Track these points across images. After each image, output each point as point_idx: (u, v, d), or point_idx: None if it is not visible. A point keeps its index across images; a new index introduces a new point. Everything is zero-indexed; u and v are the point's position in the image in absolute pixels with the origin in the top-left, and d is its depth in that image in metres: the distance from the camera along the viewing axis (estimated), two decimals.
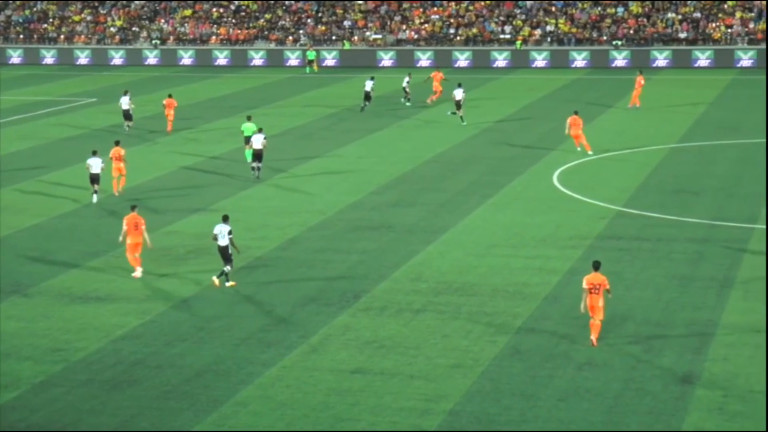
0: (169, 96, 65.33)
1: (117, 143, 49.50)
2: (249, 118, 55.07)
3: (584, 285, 29.27)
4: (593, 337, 29.13)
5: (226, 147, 59.09)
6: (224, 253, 34.90)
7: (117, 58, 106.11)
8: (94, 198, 46.66)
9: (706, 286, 33.99)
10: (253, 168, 38.62)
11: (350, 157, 56.02)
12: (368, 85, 70.96)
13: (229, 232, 34.79)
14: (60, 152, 58.92)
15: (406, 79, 72.62)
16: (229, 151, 58.01)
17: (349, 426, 24.70)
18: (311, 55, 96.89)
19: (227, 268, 34.92)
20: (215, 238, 35.04)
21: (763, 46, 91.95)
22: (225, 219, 35.42)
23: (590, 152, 53.97)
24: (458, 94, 64.41)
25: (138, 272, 36.26)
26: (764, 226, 40.04)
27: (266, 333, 30.66)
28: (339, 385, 26.88)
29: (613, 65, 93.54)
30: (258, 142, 48.64)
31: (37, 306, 33.50)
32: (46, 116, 72.11)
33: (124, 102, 63.61)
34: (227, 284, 34.88)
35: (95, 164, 46.63)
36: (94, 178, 46.50)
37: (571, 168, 51.89)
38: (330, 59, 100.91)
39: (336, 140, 60.49)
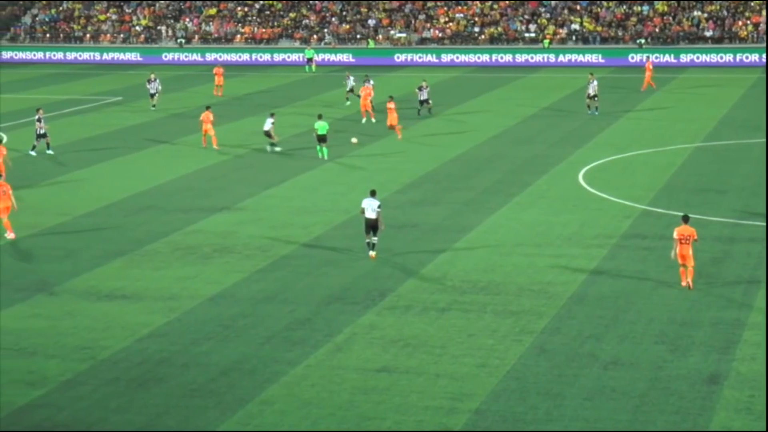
0: (207, 108, 60.21)
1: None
2: (320, 117, 55.22)
3: (675, 236, 33.13)
4: (688, 281, 33.13)
5: (250, 146, 59.14)
6: (373, 225, 37.01)
7: (141, 56, 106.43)
8: None
9: (732, 285, 33.84)
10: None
11: (374, 156, 56.01)
12: (348, 84, 72.81)
13: (379, 206, 36.94)
14: (84, 151, 59.08)
15: (424, 87, 69.03)
16: (253, 150, 58.07)
17: (374, 425, 24.68)
18: (310, 53, 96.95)
19: (374, 239, 37.21)
20: (363, 211, 37.14)
21: None
22: (373, 193, 37.47)
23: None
24: (267, 124, 57.64)
25: (11, 235, 41.03)
26: None
27: (291, 332, 30.68)
28: (364, 384, 26.87)
29: (638, 64, 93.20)
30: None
31: (63, 304, 33.61)
32: (71, 115, 72.35)
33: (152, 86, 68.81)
34: (370, 254, 37.27)
35: None
36: None
37: (597, 167, 51.76)
38: (350, 57, 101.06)
39: (360, 139, 60.42)
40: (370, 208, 37.13)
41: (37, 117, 57.33)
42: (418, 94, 68.80)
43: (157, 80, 73.57)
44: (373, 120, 65.30)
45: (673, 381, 26.55)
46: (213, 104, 64.49)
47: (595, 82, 66.76)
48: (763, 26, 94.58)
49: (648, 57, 71.92)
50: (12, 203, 41.17)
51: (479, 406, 25.43)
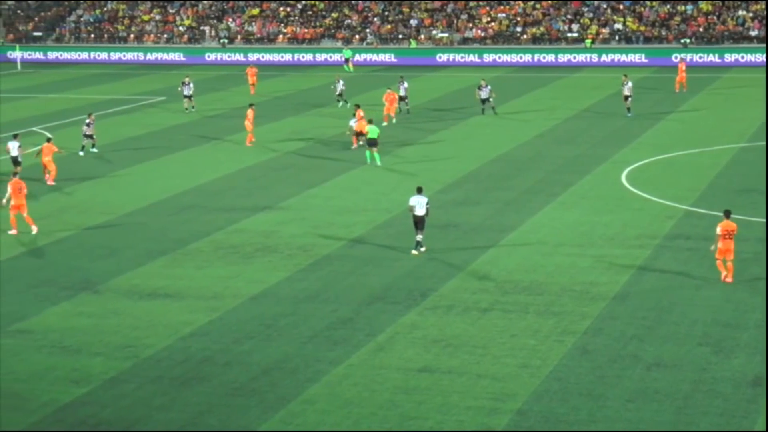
0: (251, 106, 61.74)
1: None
2: (370, 121, 54.36)
3: (718, 231, 33.59)
4: (729, 277, 33.63)
5: (292, 146, 59.29)
6: (421, 222, 37.50)
7: (184, 56, 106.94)
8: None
9: None
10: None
11: (416, 156, 56.01)
12: (338, 88, 73.00)
13: (427, 203, 37.42)
14: (128, 150, 59.44)
15: (483, 85, 68.66)
16: (295, 150, 58.20)
17: (416, 425, 24.68)
18: (348, 53, 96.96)
19: (419, 237, 37.67)
20: (412, 209, 37.53)
21: None
22: (420, 190, 37.98)
23: None
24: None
25: (33, 229, 41.81)
26: None
27: (333, 331, 30.72)
28: (406, 384, 26.87)
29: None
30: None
31: (106, 303, 33.82)
32: (115, 115, 72.79)
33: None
34: (421, 250, 37.74)
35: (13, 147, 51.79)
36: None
37: (640, 167, 51.52)
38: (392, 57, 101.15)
39: (401, 139, 60.49)
40: (419, 204, 37.50)
41: (87, 122, 57.74)
42: (477, 94, 68.40)
43: (191, 83, 73.22)
44: (394, 121, 64.91)
45: (718, 383, 26.37)
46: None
47: (630, 83, 66.17)
48: None
49: (682, 58, 71.52)
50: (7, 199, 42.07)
51: (521, 406, 25.37)
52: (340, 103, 72.95)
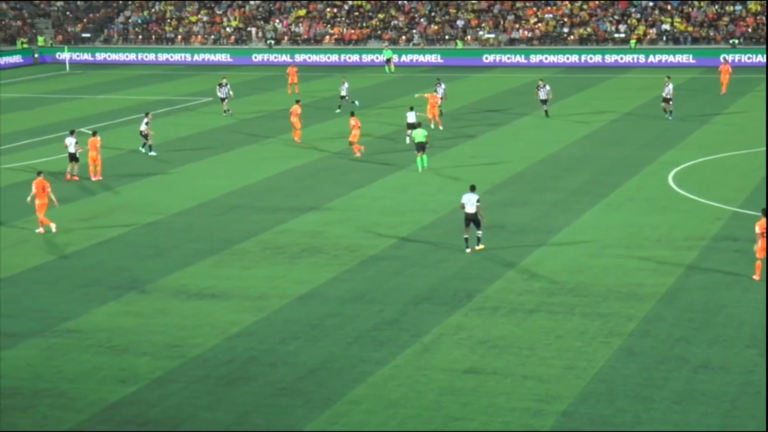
0: (297, 102, 62.92)
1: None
2: (419, 125, 53.69)
3: (757, 230, 33.68)
4: (756, 275, 33.82)
5: (338, 146, 59.39)
6: (474, 219, 37.91)
7: (231, 57, 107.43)
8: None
9: None
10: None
11: (463, 156, 55.97)
12: (342, 90, 71.76)
13: (477, 200, 37.73)
14: (176, 151, 59.78)
15: (541, 85, 67.77)
16: (340, 150, 58.29)
17: (461, 425, 24.68)
18: (388, 54, 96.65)
19: (479, 233, 38.23)
20: (463, 206, 37.95)
21: None
22: (473, 188, 38.33)
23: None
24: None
25: (52, 227, 42.49)
26: None
27: (379, 332, 30.77)
28: (451, 385, 26.88)
29: (732, 64, 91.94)
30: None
31: (154, 302, 34.05)
32: (163, 116, 73.21)
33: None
34: (476, 248, 38.24)
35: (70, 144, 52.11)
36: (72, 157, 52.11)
37: (687, 168, 51.23)
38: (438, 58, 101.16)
39: (449, 140, 60.47)
40: (470, 202, 37.81)
41: (145, 120, 58.16)
42: (536, 94, 67.78)
43: (228, 85, 72.72)
44: (440, 127, 63.13)
45: (765, 385, 26.17)
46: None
47: (671, 85, 65.35)
48: None
49: (725, 59, 70.81)
50: (52, 200, 42.55)
51: (567, 408, 25.31)
52: (338, 109, 71.49)
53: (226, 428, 24.93)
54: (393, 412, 25.43)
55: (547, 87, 67.47)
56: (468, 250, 38.23)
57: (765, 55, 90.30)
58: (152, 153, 58.24)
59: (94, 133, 52.85)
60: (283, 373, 27.98)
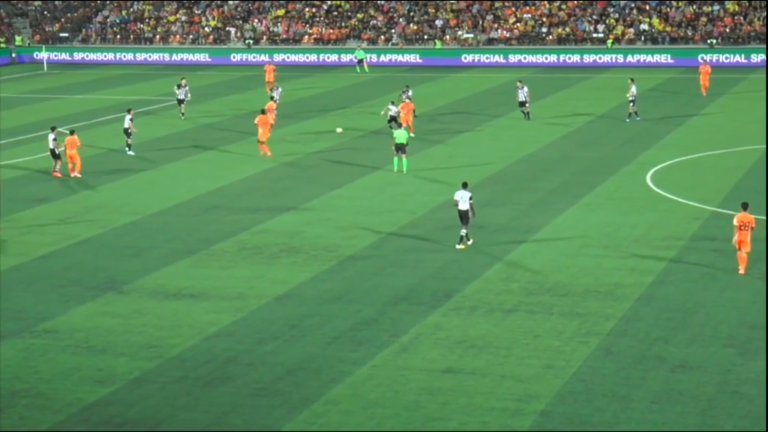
0: (272, 99, 65.23)
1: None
2: (400, 125, 53.00)
3: (735, 222, 34.60)
4: (742, 269, 34.42)
5: (317, 146, 59.37)
6: (464, 216, 38.39)
7: (210, 57, 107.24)
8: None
9: None
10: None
11: (441, 156, 56.00)
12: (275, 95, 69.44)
13: (470, 198, 38.34)
14: (152, 152, 59.63)
15: (518, 86, 66.35)
16: (319, 150, 58.28)
17: (439, 425, 24.69)
18: (360, 54, 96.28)
19: (463, 231, 38.59)
20: (456, 203, 38.60)
21: None
22: (465, 185, 38.93)
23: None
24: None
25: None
26: None
27: (357, 332, 30.75)
28: (430, 385, 26.88)
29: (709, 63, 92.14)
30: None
31: (131, 303, 33.96)
32: (141, 115, 72.93)
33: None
34: (468, 243, 38.73)
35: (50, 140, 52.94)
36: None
37: (665, 168, 51.36)
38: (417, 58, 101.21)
39: (426, 140, 60.48)
40: (462, 199, 38.40)
41: (129, 117, 58.01)
42: (517, 95, 66.42)
43: (187, 86, 71.48)
44: (412, 134, 59.38)
45: (743, 384, 26.27)
46: (253, 140, 61.12)
47: (634, 87, 64.92)
48: None
49: (704, 60, 70.71)
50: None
51: (545, 407, 25.34)
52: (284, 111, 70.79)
53: (204, 428, 24.88)
54: (371, 413, 25.42)
55: (525, 88, 66.47)
56: (459, 246, 38.61)
57: (766, 55, 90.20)
58: (130, 152, 58.07)
59: (72, 132, 52.80)
60: (261, 373, 27.95)
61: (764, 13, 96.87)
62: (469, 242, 38.96)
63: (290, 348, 29.65)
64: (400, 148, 51.54)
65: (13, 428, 25.15)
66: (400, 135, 51.82)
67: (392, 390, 26.63)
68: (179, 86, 71.46)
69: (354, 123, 66.36)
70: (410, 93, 65.92)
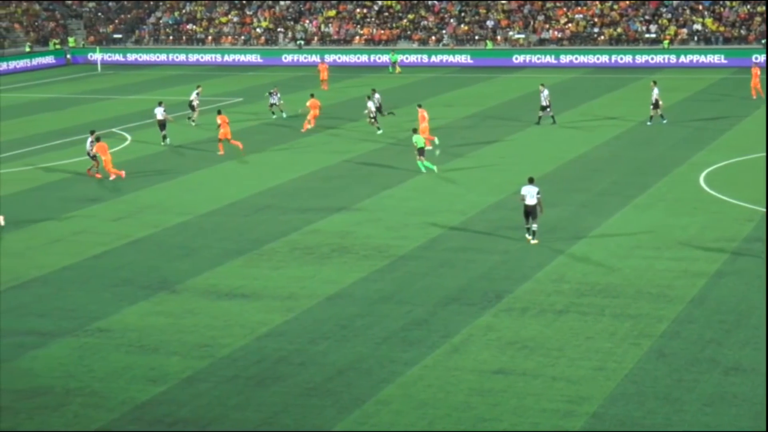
0: (312, 96, 66.96)
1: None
2: (414, 131, 52.99)
3: None
4: None
5: (367, 147, 59.42)
6: (533, 212, 38.64)
7: (261, 58, 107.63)
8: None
9: None
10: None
11: (492, 157, 55.89)
12: (271, 100, 70.71)
13: (538, 192, 38.49)
14: (206, 151, 59.92)
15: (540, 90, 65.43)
16: (369, 151, 58.32)
17: (490, 426, 24.65)
18: (394, 58, 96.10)
19: (534, 226, 38.89)
20: (523, 198, 38.71)
21: None
22: (531, 180, 39.18)
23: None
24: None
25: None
26: None
27: (408, 332, 30.76)
28: (481, 386, 26.84)
29: (761, 64, 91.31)
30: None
31: (183, 302, 34.15)
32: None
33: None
34: (533, 242, 38.90)
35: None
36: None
37: (718, 169, 50.98)
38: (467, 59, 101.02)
39: (477, 141, 60.40)
40: (529, 194, 38.55)
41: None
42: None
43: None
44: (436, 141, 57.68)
45: None
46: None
47: (656, 90, 64.09)
48: None
49: (756, 63, 69.82)
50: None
51: (596, 409, 25.23)
52: (275, 116, 71.05)
53: (255, 428, 24.98)
54: (422, 413, 25.42)
55: (546, 92, 64.91)
56: (528, 237, 39.17)
57: (766, 56, 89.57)
58: (166, 142, 60.99)
59: (98, 139, 53.14)
60: (312, 373, 28.02)
61: None
62: (534, 241, 39.04)
63: (341, 348, 29.70)
64: (422, 152, 51.84)
65: (68, 426, 25.38)
66: (419, 139, 52.09)
67: (443, 390, 26.61)
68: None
69: (403, 124, 66.29)
70: (378, 96, 65.11)
